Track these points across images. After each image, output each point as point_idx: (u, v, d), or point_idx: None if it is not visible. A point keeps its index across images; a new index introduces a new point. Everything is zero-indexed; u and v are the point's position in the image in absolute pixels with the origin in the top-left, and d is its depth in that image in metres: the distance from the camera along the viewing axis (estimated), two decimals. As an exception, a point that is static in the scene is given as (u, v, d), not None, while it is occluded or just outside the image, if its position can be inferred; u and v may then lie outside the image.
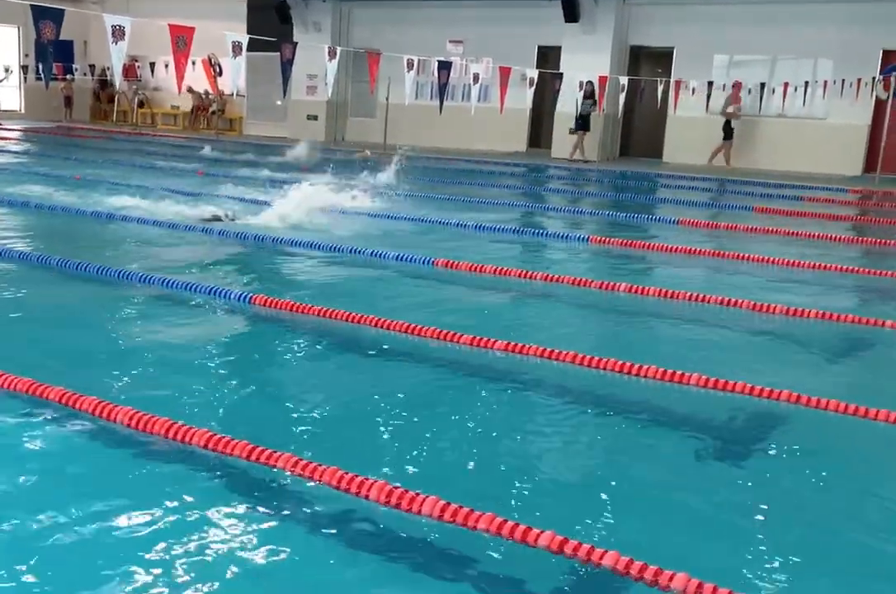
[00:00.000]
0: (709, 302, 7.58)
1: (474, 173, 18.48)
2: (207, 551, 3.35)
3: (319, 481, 3.87)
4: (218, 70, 24.41)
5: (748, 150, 21.18)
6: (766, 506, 3.98)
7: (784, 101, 20.41)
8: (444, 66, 18.25)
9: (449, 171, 18.36)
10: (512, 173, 19.38)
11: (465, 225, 11.17)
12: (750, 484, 4.26)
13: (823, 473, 4.42)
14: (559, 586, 3.27)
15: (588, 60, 21.63)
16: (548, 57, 23.49)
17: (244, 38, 11.12)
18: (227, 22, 25.05)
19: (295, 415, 4.86)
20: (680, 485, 4.23)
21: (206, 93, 28.86)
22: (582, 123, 21.72)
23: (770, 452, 4.69)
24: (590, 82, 20.57)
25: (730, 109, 20.70)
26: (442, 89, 18.36)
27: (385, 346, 6.12)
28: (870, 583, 3.42)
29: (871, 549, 3.68)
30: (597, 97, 20.58)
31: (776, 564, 3.47)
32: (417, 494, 3.69)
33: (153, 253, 8.93)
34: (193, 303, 7.05)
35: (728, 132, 20.89)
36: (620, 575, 3.25)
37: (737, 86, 20.73)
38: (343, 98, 26.75)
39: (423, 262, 8.71)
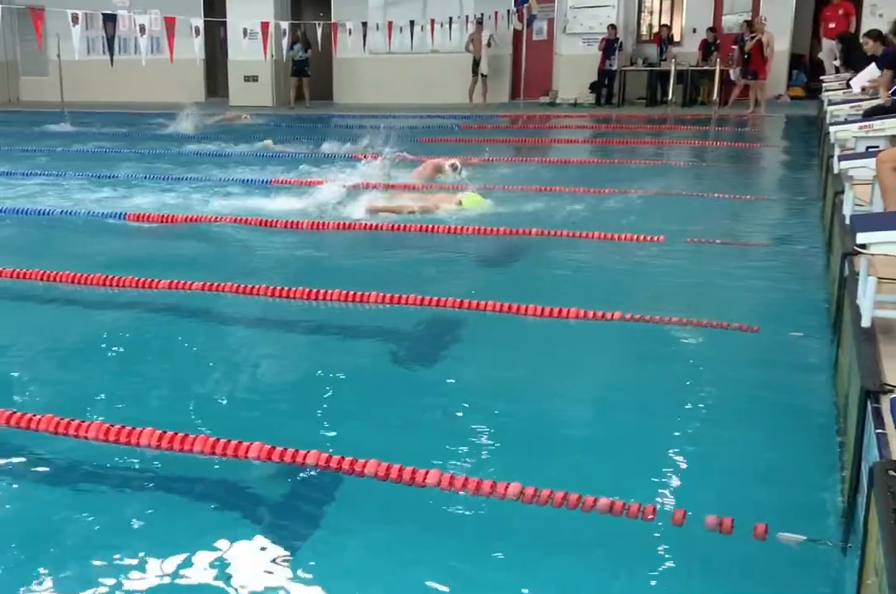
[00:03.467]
0: (378, 228, 8.01)
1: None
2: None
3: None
4: None
5: (413, 86, 21.63)
6: (452, 397, 4.48)
7: (433, 37, 20.83)
8: (110, 19, 17.59)
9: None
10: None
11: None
12: (436, 380, 4.77)
13: (494, 363, 4.97)
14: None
15: (252, 7, 21.31)
16: (214, 5, 22.95)
17: None
18: None
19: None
20: (376, 390, 4.63)
21: None
22: (297, 69, 21.48)
23: (445, 351, 5.21)
24: (301, 27, 20.34)
25: (471, 47, 20.65)
26: (110, 42, 17.71)
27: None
28: (547, 455, 3.92)
29: (545, 425, 4.21)
30: (309, 42, 20.38)
31: (472, 446, 3.95)
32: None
33: None
34: None
35: (474, 69, 20.70)
36: (327, 469, 3.61)
37: (477, 26, 20.52)
38: (12, 57, 25.01)
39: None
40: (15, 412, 4.08)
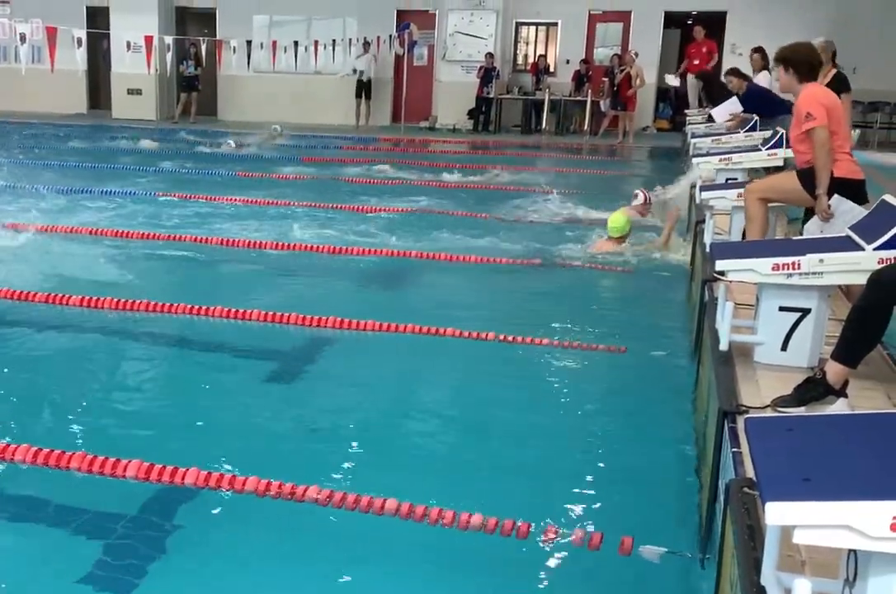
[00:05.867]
0: (262, 247, 7.95)
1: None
2: None
3: None
4: None
5: (296, 105, 21.46)
6: (333, 414, 4.48)
7: (317, 58, 20.72)
8: (-11, 27, 17.09)
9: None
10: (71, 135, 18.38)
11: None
12: (317, 397, 4.75)
13: (374, 381, 4.97)
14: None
15: (136, 21, 20.83)
16: (97, 17, 22.38)
17: None
18: None
19: None
20: (257, 407, 4.58)
21: None
22: (187, 84, 21.04)
23: (326, 369, 5.20)
24: (193, 44, 19.96)
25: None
26: (-13, 50, 17.23)
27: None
28: (423, 471, 3.94)
29: (422, 442, 4.25)
30: (201, 58, 20.03)
31: (350, 456, 3.97)
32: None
33: None
34: None
35: (358, 92, 20.53)
36: (203, 485, 3.55)
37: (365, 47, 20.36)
38: None
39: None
40: None
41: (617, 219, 7.93)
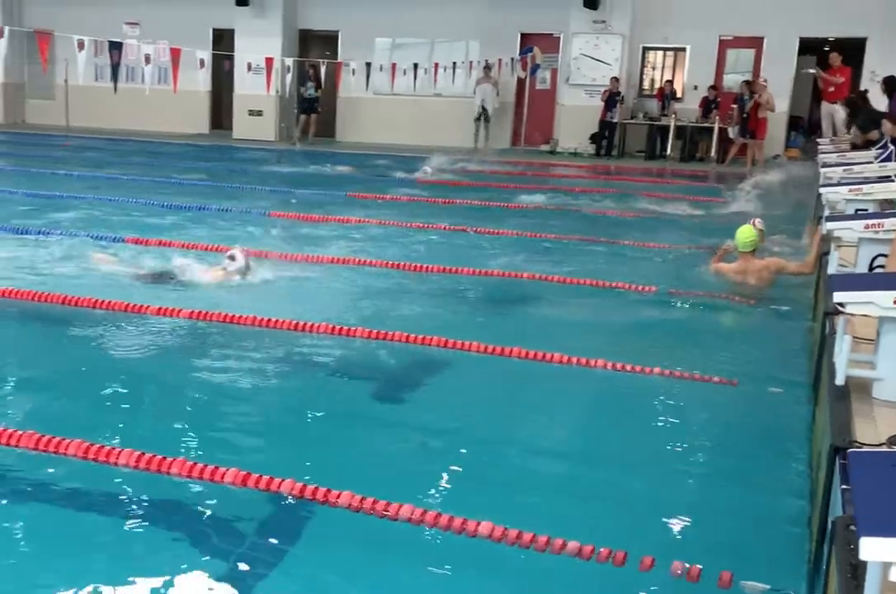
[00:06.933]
0: (368, 264, 8.11)
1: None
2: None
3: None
4: None
5: (415, 127, 21.80)
6: (432, 434, 4.55)
7: (436, 80, 21.05)
8: (116, 47, 17.90)
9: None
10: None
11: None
12: (417, 416, 4.83)
13: (475, 403, 5.02)
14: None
15: (260, 43, 21.57)
16: (223, 39, 23.24)
17: None
18: None
19: None
20: (356, 423, 4.68)
21: None
22: (307, 106, 21.74)
23: (428, 388, 5.27)
24: (313, 66, 20.65)
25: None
26: (115, 69, 18.04)
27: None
28: (522, 496, 3.96)
29: (522, 467, 4.26)
30: (321, 80, 20.71)
31: (452, 478, 4.02)
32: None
33: None
34: None
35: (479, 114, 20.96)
36: (297, 496, 3.66)
37: (485, 71, 20.77)
38: (19, 80, 25.20)
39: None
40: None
41: (745, 232, 7.67)
